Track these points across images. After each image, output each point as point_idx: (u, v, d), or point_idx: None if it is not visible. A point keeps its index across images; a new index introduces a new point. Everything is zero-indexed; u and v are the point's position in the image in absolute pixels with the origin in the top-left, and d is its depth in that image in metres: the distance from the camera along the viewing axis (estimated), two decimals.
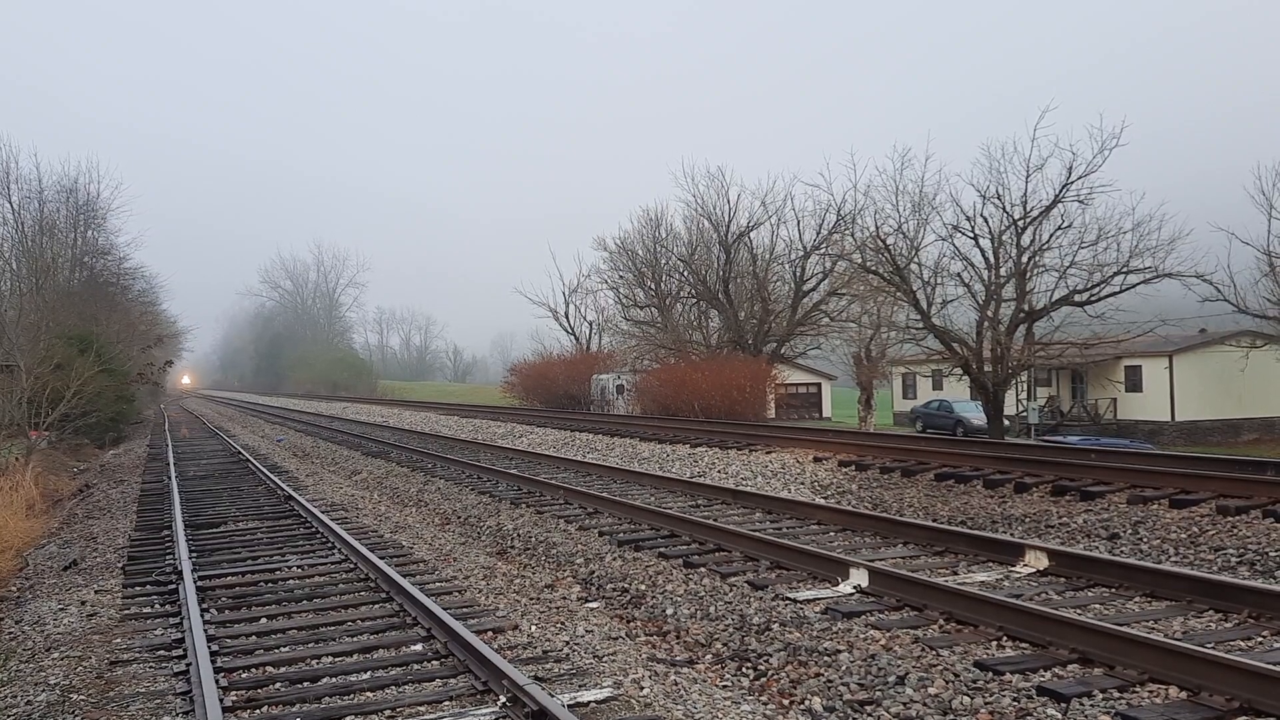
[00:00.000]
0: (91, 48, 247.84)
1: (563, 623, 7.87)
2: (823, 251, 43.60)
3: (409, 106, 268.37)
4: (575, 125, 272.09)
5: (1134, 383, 44.85)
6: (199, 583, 9.57)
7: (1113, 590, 7.76)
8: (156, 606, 9.06)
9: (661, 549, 10.33)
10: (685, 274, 49.38)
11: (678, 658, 6.92)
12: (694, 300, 49.48)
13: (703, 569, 9.30)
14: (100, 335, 39.11)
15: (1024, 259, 33.92)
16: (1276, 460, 12.74)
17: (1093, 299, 33.10)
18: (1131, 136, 32.16)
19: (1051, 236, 33.61)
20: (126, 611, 8.86)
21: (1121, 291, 32.76)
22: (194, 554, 11.25)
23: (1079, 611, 7.03)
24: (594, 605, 8.61)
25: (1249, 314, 36.15)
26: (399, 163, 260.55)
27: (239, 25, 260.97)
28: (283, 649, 7.35)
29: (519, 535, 11.96)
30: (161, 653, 7.47)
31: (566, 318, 58.69)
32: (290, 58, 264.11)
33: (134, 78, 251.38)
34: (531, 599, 8.78)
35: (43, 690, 6.63)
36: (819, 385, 57.79)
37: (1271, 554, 8.71)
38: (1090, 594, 7.74)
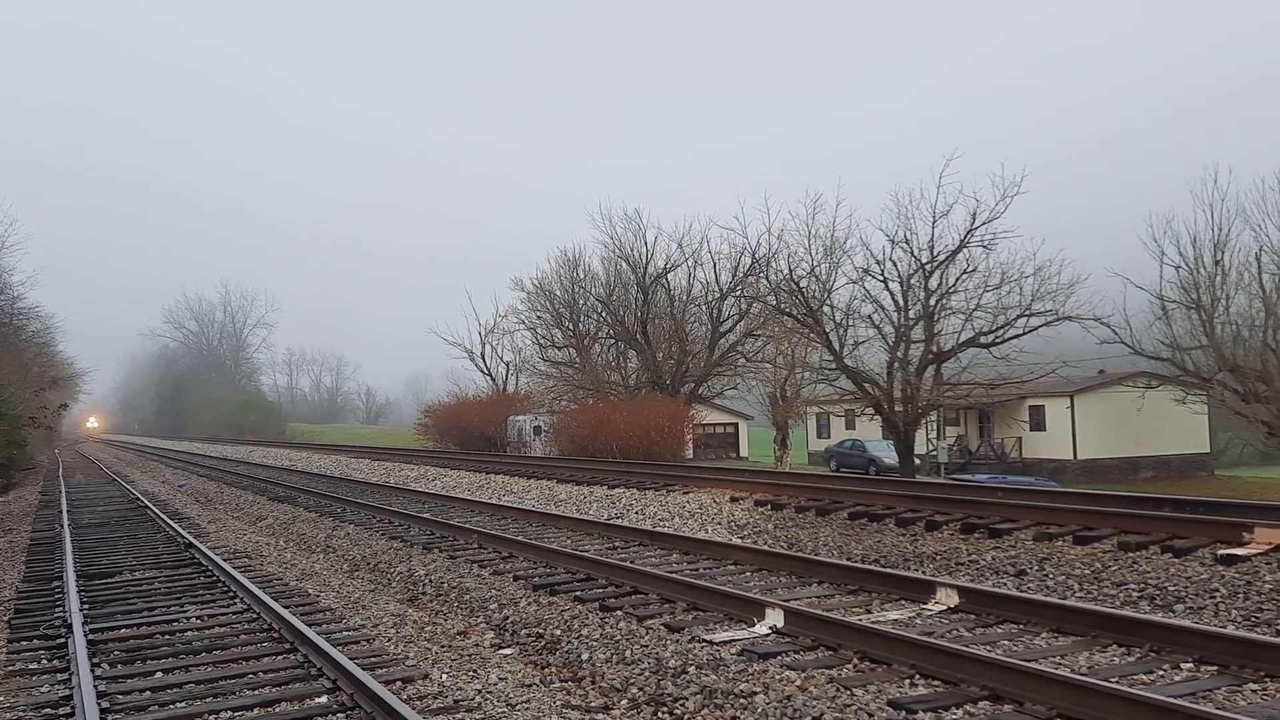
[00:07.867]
0: None
1: (475, 670, 7.68)
2: (738, 293, 44.20)
3: (309, 133, 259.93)
4: (487, 153, 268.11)
5: (1038, 422, 46.28)
6: (90, 636, 9.11)
7: (1021, 626, 7.89)
8: (44, 662, 8.58)
9: (578, 593, 10.19)
10: (603, 315, 49.48)
11: (593, 704, 6.79)
12: (612, 341, 49.56)
13: (619, 612, 9.19)
14: None
15: (932, 302, 34.87)
16: (1173, 497, 13.19)
17: (997, 341, 34.20)
18: (1031, 184, 33.49)
19: (957, 280, 34.69)
20: (11, 668, 8.36)
21: (1024, 334, 33.95)
22: (86, 605, 10.71)
23: (989, 648, 7.12)
24: (508, 652, 8.43)
25: (1144, 355, 37.87)
26: (306, 190, 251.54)
27: (118, 46, 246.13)
28: (179, 704, 7.01)
29: (431, 581, 11.68)
30: (48, 711, 7.05)
31: (483, 358, 58.13)
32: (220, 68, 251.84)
33: (26, 101, 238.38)
34: (443, 647, 8.56)
35: None
36: (736, 425, 58.28)
37: (1170, 588, 8.97)
38: (999, 630, 7.85)
